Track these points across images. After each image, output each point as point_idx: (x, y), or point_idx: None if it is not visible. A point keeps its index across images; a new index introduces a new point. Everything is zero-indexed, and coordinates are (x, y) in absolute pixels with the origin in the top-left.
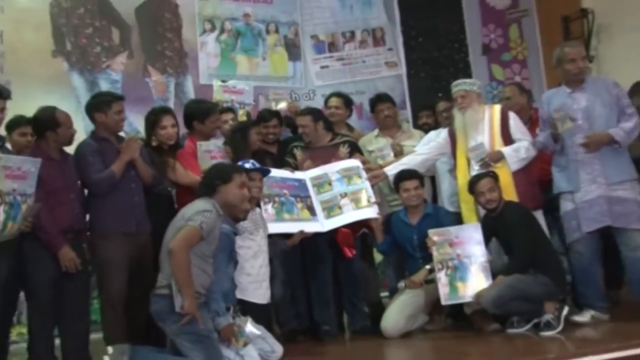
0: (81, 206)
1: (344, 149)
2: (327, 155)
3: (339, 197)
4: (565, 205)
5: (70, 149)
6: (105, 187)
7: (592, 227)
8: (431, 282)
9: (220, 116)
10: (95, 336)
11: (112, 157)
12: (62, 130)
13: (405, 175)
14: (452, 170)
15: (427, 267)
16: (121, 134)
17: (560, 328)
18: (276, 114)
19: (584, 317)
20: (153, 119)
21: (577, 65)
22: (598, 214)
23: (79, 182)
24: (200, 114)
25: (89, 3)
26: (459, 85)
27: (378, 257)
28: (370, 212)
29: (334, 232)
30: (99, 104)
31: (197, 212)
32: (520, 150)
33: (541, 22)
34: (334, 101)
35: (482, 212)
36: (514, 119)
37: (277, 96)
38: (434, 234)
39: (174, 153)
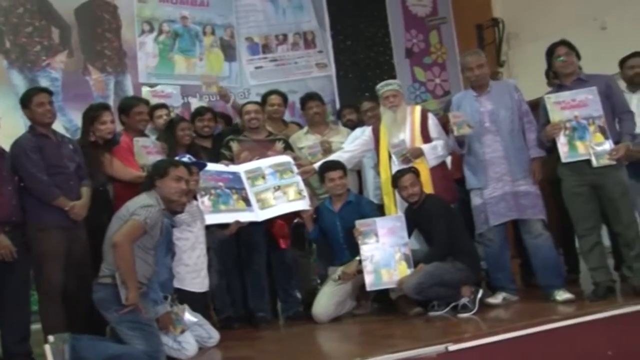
0: (18, 199)
1: (279, 145)
2: (263, 149)
3: (272, 189)
4: (475, 200)
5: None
6: (39, 195)
7: (499, 221)
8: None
9: (142, 110)
10: (35, 327)
11: (51, 152)
12: None
13: (330, 165)
14: (376, 165)
15: (357, 258)
16: (61, 129)
17: (475, 310)
18: (210, 109)
19: (497, 299)
20: (93, 115)
21: (474, 73)
22: (505, 209)
23: (16, 176)
24: (124, 107)
25: (29, 3)
26: (391, 85)
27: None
28: (302, 204)
29: (269, 223)
30: (22, 101)
31: (141, 207)
32: (437, 147)
33: (458, 29)
34: (275, 99)
35: (404, 204)
36: (432, 119)
37: (208, 80)
38: (360, 225)
39: (110, 149)
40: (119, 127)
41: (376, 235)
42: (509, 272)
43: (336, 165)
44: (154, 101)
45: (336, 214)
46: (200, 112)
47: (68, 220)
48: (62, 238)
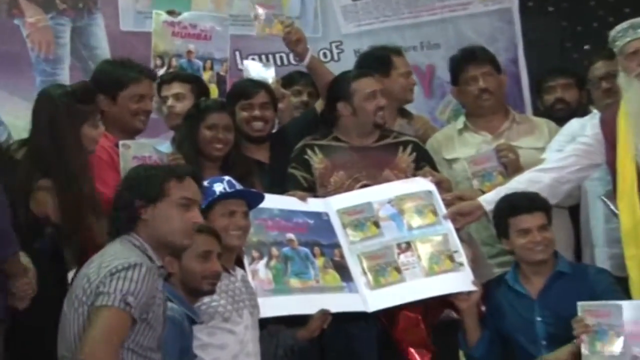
0: None
1: (406, 156)
2: (372, 165)
3: (395, 249)
4: None
5: None
6: None
7: None
8: None
9: (145, 92)
10: None
11: None
12: None
13: (520, 203)
14: (610, 195)
15: None
16: None
17: None
18: (264, 84)
19: None
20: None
21: None
22: None
23: None
24: (110, 84)
25: None
26: (631, 31)
27: None
28: (457, 282)
29: (387, 317)
30: None
31: (110, 274)
32: None
33: None
34: (407, 64)
35: None
36: None
37: (266, 10)
38: (587, 312)
39: None
40: None
41: (620, 335)
42: None
43: (532, 202)
44: (175, 46)
45: (533, 302)
46: (245, 92)
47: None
48: None
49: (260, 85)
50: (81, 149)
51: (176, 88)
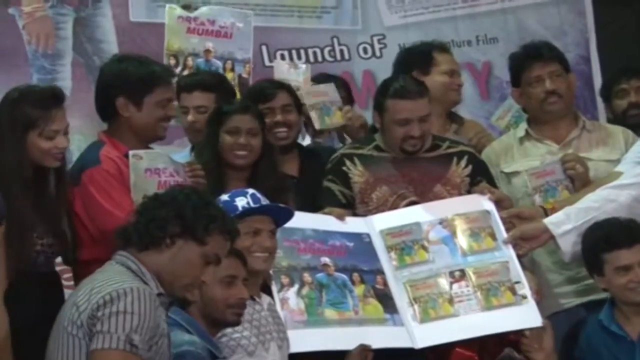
0: None
1: (460, 169)
2: (421, 179)
3: (447, 277)
4: None
5: None
6: None
7: None
8: None
9: (171, 95)
10: None
11: None
12: None
13: (618, 236)
14: None
15: None
16: None
17: None
18: (286, 85)
19: None
20: (30, 116)
21: None
22: None
23: None
24: (134, 87)
25: None
26: None
27: None
28: (520, 317)
29: (436, 353)
30: None
31: (104, 305)
32: None
33: None
34: (452, 61)
35: None
36: None
37: (322, 95)
38: None
39: (65, 184)
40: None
41: None
42: None
43: (632, 233)
44: (191, 44)
45: (634, 344)
46: (262, 94)
47: None
48: None
49: (280, 85)
50: (20, 156)
51: (198, 99)
